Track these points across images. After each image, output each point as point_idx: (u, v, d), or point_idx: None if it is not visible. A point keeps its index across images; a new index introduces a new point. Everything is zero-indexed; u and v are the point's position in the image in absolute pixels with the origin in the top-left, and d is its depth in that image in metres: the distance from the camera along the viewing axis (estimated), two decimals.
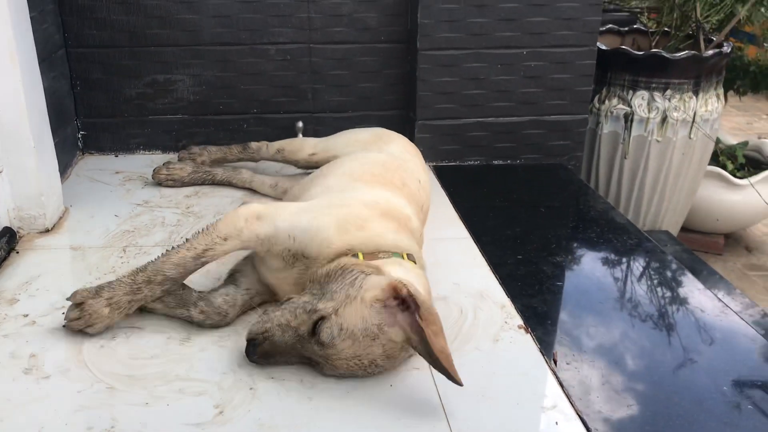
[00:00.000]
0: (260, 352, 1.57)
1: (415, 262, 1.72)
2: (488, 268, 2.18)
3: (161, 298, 1.75)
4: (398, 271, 1.64)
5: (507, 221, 2.53)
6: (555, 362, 1.72)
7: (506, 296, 2.02)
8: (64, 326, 1.72)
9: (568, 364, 1.73)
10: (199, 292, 1.80)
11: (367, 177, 2.04)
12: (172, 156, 2.97)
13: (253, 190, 2.66)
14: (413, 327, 1.48)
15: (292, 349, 1.56)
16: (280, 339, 1.55)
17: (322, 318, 1.50)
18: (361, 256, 1.67)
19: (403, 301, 1.52)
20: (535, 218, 2.58)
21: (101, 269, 2.06)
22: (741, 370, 1.75)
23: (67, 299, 1.71)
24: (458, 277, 2.09)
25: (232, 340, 1.73)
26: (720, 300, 2.05)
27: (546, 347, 1.78)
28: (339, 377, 1.57)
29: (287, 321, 1.55)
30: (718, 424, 1.55)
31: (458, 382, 1.46)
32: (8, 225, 2.20)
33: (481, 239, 2.35)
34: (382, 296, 1.52)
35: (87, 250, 2.18)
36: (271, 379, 1.59)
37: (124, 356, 1.67)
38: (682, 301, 2.08)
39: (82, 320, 1.69)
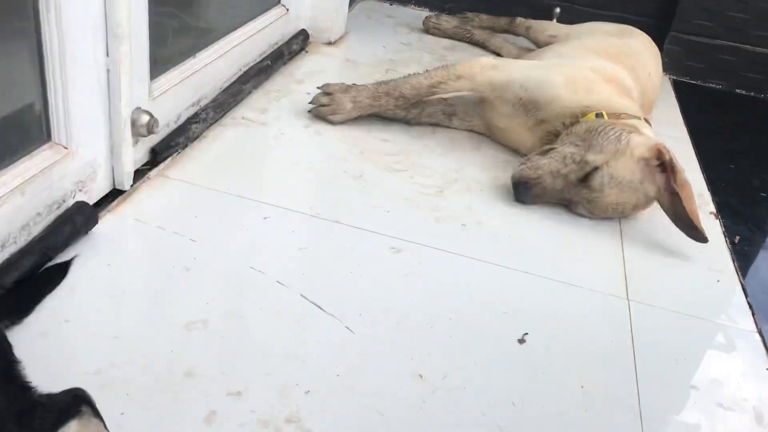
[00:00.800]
0: (532, 194, 1.79)
1: (650, 125, 1.91)
2: (698, 165, 2.33)
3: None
4: (651, 134, 1.85)
5: (730, 139, 2.62)
6: (734, 243, 1.89)
7: (707, 189, 2.17)
8: (309, 111, 2.08)
9: (746, 248, 1.89)
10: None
11: (601, 53, 2.20)
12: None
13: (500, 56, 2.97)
14: (668, 188, 1.74)
15: (559, 193, 1.80)
16: (551, 184, 1.78)
17: (596, 168, 1.74)
18: (605, 115, 1.86)
19: (662, 164, 1.75)
20: (760, 147, 2.64)
21: (365, 79, 2.48)
22: None
23: (318, 88, 2.07)
24: None
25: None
26: None
27: (731, 233, 1.95)
28: (588, 217, 1.82)
29: (557, 169, 1.77)
30: None
31: (704, 238, 1.73)
32: (305, 28, 2.69)
33: (699, 143, 2.48)
34: (648, 155, 1.75)
35: (357, 64, 2.63)
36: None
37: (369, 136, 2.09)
38: None
39: (329, 107, 2.04)
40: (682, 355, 1.44)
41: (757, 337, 1.55)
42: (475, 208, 1.82)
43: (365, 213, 1.71)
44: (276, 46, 2.44)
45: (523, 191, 1.79)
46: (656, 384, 1.34)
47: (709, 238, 1.76)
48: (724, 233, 1.94)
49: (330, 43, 2.76)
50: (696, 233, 1.74)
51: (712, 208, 2.06)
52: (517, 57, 2.87)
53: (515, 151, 2.09)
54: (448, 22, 3.07)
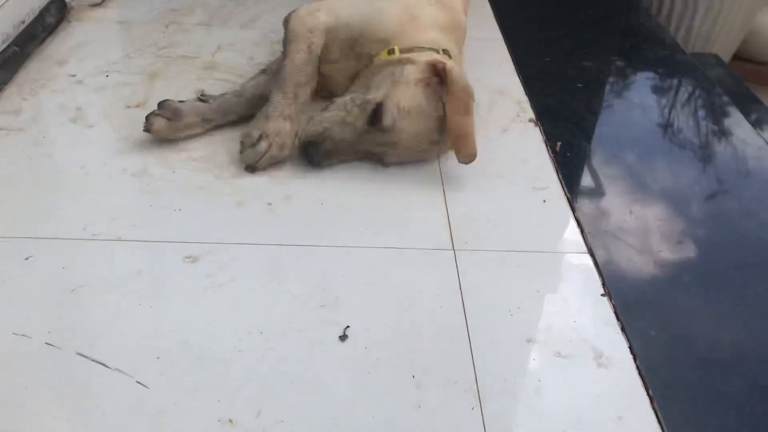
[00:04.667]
0: (322, 152, 1.62)
1: (451, 57, 1.77)
2: (513, 67, 2.22)
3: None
4: (429, 56, 1.70)
5: (543, 26, 2.53)
6: (556, 152, 1.82)
7: (524, 94, 2.08)
8: (247, 167, 1.64)
9: (568, 155, 1.82)
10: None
11: None
12: None
13: None
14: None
15: (351, 146, 1.64)
16: (340, 136, 1.61)
17: (378, 105, 1.58)
18: (397, 51, 1.73)
19: (440, 77, 1.62)
20: (574, 27, 2.56)
21: (144, 42, 2.19)
22: None
23: (242, 147, 1.65)
24: (480, 73, 2.14)
25: None
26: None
27: (551, 139, 1.87)
28: (400, 163, 1.68)
29: (341, 118, 1.61)
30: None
31: (472, 154, 1.60)
32: None
33: (512, 40, 2.37)
34: (423, 75, 1.62)
35: (132, 24, 2.30)
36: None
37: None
38: (717, 132, 2.10)
39: (274, 146, 1.63)
40: (514, 303, 1.34)
41: (589, 259, 1.48)
42: (280, 179, 1.64)
43: (152, 218, 1.49)
44: (24, 25, 2.07)
45: (313, 152, 1.63)
46: (492, 352, 1.24)
47: (502, 155, 1.67)
48: (545, 142, 1.86)
49: (97, 5, 2.39)
50: (463, 153, 1.61)
51: (531, 114, 1.97)
52: None
53: None
54: None
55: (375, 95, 1.62)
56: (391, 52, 1.74)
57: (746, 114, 2.15)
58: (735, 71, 3.37)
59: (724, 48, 3.41)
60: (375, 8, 1.82)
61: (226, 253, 1.41)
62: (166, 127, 1.66)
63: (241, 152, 1.65)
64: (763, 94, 3.56)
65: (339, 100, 1.66)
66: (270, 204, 1.56)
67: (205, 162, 1.67)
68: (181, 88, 1.93)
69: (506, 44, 2.36)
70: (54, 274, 1.33)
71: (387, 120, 1.59)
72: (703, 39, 3.34)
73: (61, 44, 2.13)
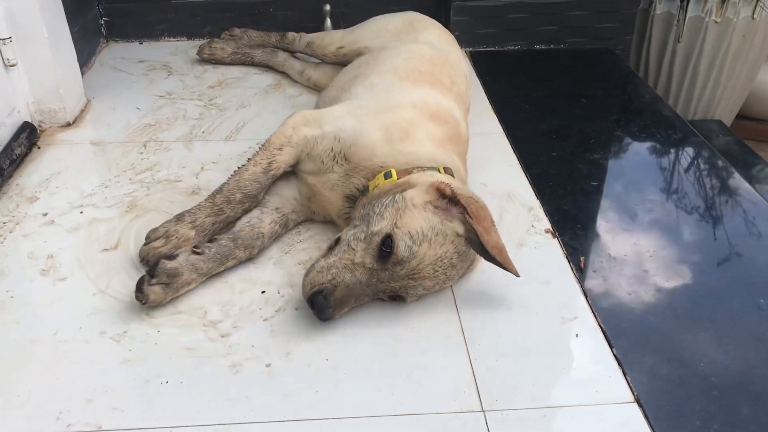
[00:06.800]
0: (335, 302, 1.40)
1: (453, 176, 1.62)
2: (519, 166, 2.07)
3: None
4: (432, 178, 1.55)
5: (544, 114, 2.39)
6: (581, 269, 1.65)
7: (536, 197, 1.92)
8: (143, 260, 1.58)
9: (595, 272, 1.65)
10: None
11: (414, 75, 1.91)
12: (197, 42, 2.86)
13: (286, 74, 2.62)
14: (466, 222, 1.44)
15: (366, 287, 1.43)
16: (352, 280, 1.41)
17: (387, 236, 1.41)
18: (394, 173, 1.59)
19: (451, 199, 1.46)
20: (575, 110, 2.43)
21: (121, 165, 2.03)
22: None
23: (146, 241, 1.59)
24: (486, 175, 2.00)
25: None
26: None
27: (573, 253, 1.70)
28: (422, 296, 1.49)
29: (350, 259, 1.43)
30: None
31: (515, 273, 1.45)
32: (29, 120, 2.16)
33: (515, 134, 2.23)
34: (429, 197, 1.47)
35: (107, 146, 2.14)
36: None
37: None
38: (727, 209, 1.95)
39: (169, 245, 1.56)
40: None
41: (637, 410, 1.30)
42: (279, 330, 1.45)
43: (135, 397, 1.29)
44: None
45: (323, 304, 1.39)
46: None
47: (522, 275, 1.49)
48: (567, 257, 1.69)
49: (69, 124, 2.24)
50: (507, 270, 1.46)
51: (546, 224, 1.81)
52: (300, 72, 2.56)
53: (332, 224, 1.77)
54: (223, 49, 2.69)
55: (380, 226, 1.44)
56: (387, 175, 1.59)
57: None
58: (736, 130, 3.26)
59: (726, 111, 3.30)
60: (367, 124, 1.68)
61: None
62: (162, 294, 1.48)
63: (144, 245, 1.59)
64: (764, 151, 3.44)
65: (342, 239, 1.48)
66: (268, 365, 1.37)
67: (192, 314, 1.49)
68: (162, 221, 1.75)
69: (508, 138, 2.22)
70: None
71: (401, 250, 1.40)
72: (705, 104, 3.22)
73: (31, 176, 1.97)
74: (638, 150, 2.20)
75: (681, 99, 3.20)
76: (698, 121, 3.19)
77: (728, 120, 3.33)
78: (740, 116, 3.63)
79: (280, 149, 1.71)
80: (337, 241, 1.50)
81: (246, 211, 1.69)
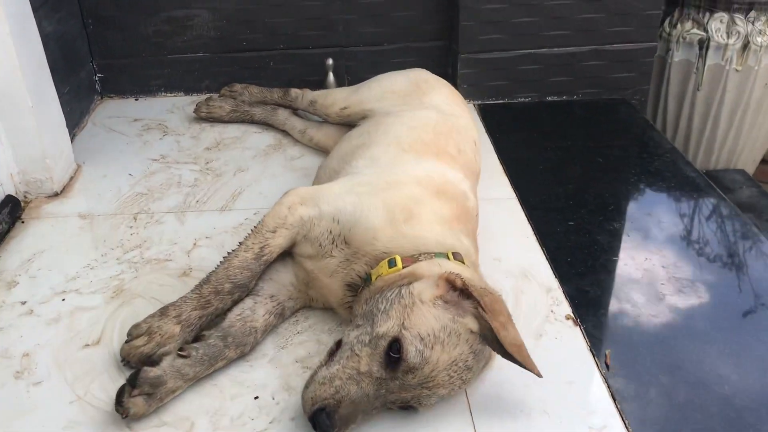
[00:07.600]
0: (341, 419, 1.23)
1: (463, 262, 1.48)
2: (534, 238, 1.93)
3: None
4: (440, 267, 1.41)
5: (559, 175, 2.25)
6: (607, 366, 1.50)
7: (554, 276, 1.77)
8: (124, 360, 1.46)
9: (621, 368, 1.50)
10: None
11: (418, 146, 1.79)
12: (195, 98, 2.76)
13: (287, 134, 2.51)
14: (479, 316, 1.30)
15: (374, 400, 1.27)
16: (358, 393, 1.25)
17: (395, 340, 1.26)
18: (399, 261, 1.45)
19: (463, 291, 1.32)
20: (591, 171, 2.29)
21: (109, 243, 1.90)
22: None
23: (128, 338, 1.46)
24: (499, 250, 1.85)
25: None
26: None
27: (597, 345, 1.55)
28: (437, 404, 1.33)
29: (354, 367, 1.28)
30: None
31: (537, 374, 1.29)
32: (12, 192, 2.04)
33: (528, 200, 2.09)
34: (439, 292, 1.33)
35: (96, 218, 2.01)
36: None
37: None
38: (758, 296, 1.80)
39: (151, 343, 1.44)
40: None
41: None
42: None
43: None
44: None
45: (326, 424, 1.23)
46: None
47: (543, 374, 1.29)
48: (590, 350, 1.54)
49: (57, 194, 2.12)
50: (527, 369, 1.29)
51: (566, 308, 1.66)
52: (302, 131, 2.44)
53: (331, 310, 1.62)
54: (221, 107, 2.58)
55: (386, 328, 1.29)
56: (392, 263, 1.45)
57: None
58: (759, 175, 3.12)
59: (749, 160, 3.15)
60: (368, 204, 1.54)
61: None
62: (144, 407, 1.33)
63: (125, 342, 1.47)
64: None
65: (344, 344, 1.33)
66: None
67: (177, 427, 1.35)
68: (149, 311, 1.60)
69: (521, 205, 2.08)
70: None
71: (412, 356, 1.25)
72: (727, 153, 3.08)
73: (12, 257, 1.84)
74: (661, 218, 2.05)
75: (702, 149, 3.05)
76: (721, 171, 3.04)
77: (751, 168, 3.18)
78: (763, 161, 3.48)
79: (273, 232, 1.58)
80: (339, 344, 1.35)
81: (236, 302, 1.55)
